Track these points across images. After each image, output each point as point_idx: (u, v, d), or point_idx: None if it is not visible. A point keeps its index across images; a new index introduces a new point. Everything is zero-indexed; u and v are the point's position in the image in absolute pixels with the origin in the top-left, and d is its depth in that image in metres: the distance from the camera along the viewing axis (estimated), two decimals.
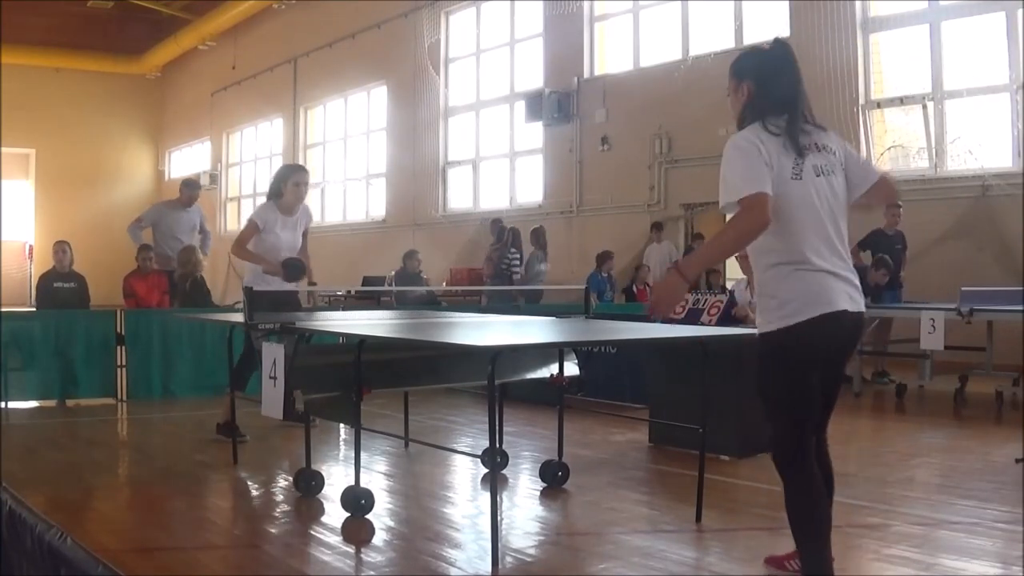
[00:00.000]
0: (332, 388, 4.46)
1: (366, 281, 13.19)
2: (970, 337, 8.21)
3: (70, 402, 7.95)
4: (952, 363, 8.42)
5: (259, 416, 4.65)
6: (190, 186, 10.28)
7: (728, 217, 3.08)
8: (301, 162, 21.86)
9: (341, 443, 6.25)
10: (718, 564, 3.73)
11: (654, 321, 3.01)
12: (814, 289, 2.98)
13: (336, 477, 5.11)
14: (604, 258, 13.02)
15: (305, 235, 6.36)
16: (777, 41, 3.18)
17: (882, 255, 9.00)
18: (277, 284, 6.07)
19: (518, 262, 13.01)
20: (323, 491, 4.75)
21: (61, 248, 9.06)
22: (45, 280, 8.96)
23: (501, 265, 12.90)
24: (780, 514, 3.76)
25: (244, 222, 6.33)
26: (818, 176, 3.02)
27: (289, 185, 6.15)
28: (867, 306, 8.87)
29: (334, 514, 4.36)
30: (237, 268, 18.90)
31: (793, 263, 2.99)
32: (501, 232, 13.23)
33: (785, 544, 3.56)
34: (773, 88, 3.08)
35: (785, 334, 2.98)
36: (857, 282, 3.10)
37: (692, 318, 6.14)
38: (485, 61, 17.42)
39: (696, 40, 13.76)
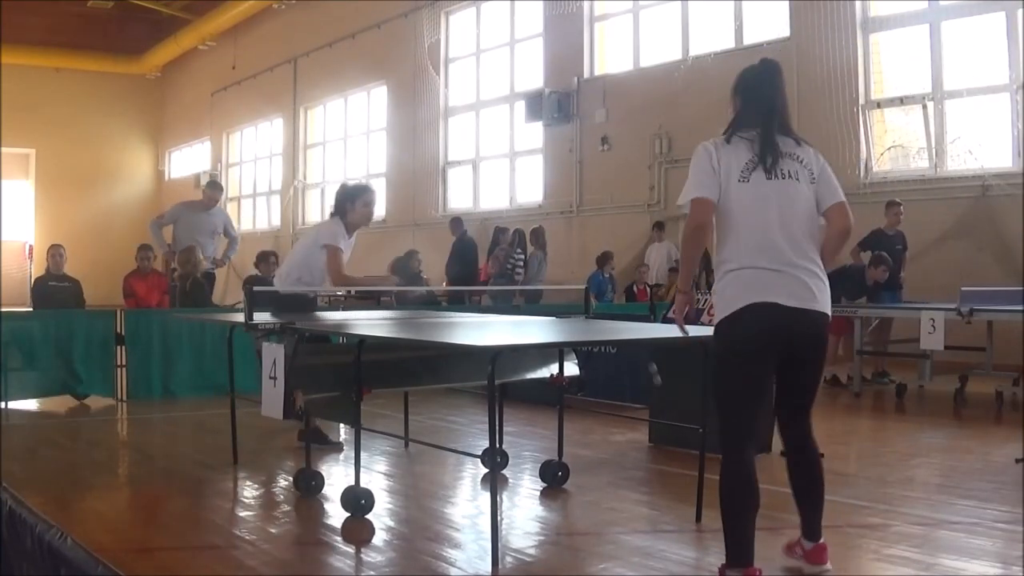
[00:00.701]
0: (332, 388, 4.46)
1: None
2: (970, 337, 8.21)
3: (70, 402, 7.94)
4: (952, 363, 8.42)
5: (259, 416, 4.65)
6: (212, 187, 10.24)
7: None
8: (301, 162, 21.91)
9: (341, 443, 6.25)
10: (718, 564, 3.72)
11: (671, 323, 3.32)
12: (744, 283, 3.17)
13: (336, 477, 5.11)
14: (605, 259, 13.03)
15: None
16: (763, 60, 3.39)
17: (880, 252, 9.00)
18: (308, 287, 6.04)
19: (522, 264, 13.02)
20: (323, 491, 4.75)
21: (57, 252, 9.07)
22: (41, 281, 8.99)
23: (507, 265, 12.92)
24: (780, 514, 3.77)
25: (242, 224, 6.22)
26: (769, 179, 3.19)
27: (359, 205, 5.88)
28: (865, 305, 8.83)
29: (334, 514, 4.36)
30: (237, 268, 18.89)
31: (730, 266, 3.21)
32: (501, 232, 13.27)
33: (786, 543, 3.57)
34: (751, 103, 3.31)
35: (718, 330, 3.23)
36: (813, 281, 3.19)
37: (692, 318, 6.13)
38: (485, 61, 17.42)
39: (696, 40, 13.76)
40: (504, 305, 10.71)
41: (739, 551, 3.15)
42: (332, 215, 5.97)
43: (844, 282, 8.72)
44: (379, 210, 19.41)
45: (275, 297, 5.70)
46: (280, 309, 5.42)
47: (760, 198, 3.18)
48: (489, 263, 13.27)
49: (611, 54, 15.27)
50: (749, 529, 3.16)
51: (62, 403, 7.92)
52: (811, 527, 3.41)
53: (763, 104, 3.29)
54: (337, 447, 5.98)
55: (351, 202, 5.90)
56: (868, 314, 8.69)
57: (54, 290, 8.79)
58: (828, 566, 3.38)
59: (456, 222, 14.05)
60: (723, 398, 3.25)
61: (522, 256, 13.04)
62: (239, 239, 10.43)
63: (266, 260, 10.32)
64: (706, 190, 3.18)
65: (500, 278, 12.67)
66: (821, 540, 3.40)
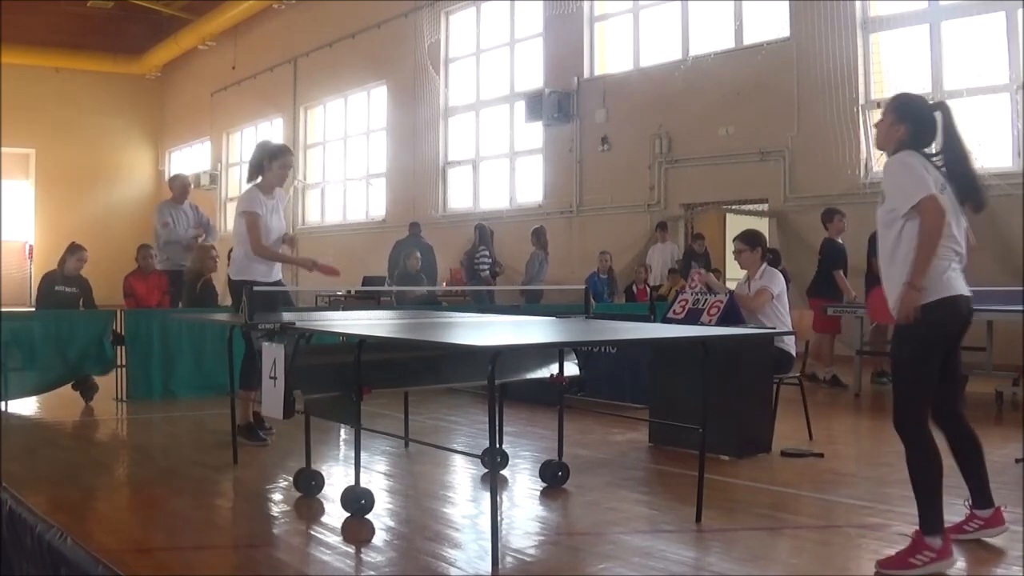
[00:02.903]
0: (332, 388, 4.45)
1: (366, 281, 13.19)
2: (970, 337, 8.17)
3: (71, 402, 7.94)
4: None
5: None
6: (178, 179, 10.17)
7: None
8: (301, 162, 21.90)
9: (341, 443, 6.25)
10: (718, 564, 3.73)
11: None
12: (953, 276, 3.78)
13: (336, 477, 5.11)
14: (600, 258, 13.01)
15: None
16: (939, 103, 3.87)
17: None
18: (262, 275, 5.98)
19: (487, 261, 13.00)
20: (323, 491, 4.75)
21: (81, 256, 8.72)
22: (47, 281, 8.80)
23: (473, 266, 12.92)
24: (780, 514, 3.77)
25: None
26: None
27: (275, 166, 5.95)
28: (864, 306, 8.73)
29: (334, 514, 4.36)
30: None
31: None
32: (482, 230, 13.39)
33: (786, 543, 3.57)
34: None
35: (928, 312, 3.68)
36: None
37: (692, 318, 6.12)
38: (485, 61, 17.42)
39: (696, 40, 13.76)
40: (483, 306, 10.61)
41: (940, 518, 3.54)
42: (249, 179, 6.00)
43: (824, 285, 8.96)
44: (379, 210, 19.53)
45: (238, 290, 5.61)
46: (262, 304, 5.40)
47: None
48: (460, 267, 13.29)
49: (611, 54, 15.27)
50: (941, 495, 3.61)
51: (62, 403, 7.93)
52: (985, 494, 3.81)
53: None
54: (263, 443, 6.00)
55: (269, 160, 5.94)
56: (858, 314, 8.71)
57: (59, 293, 8.67)
58: (1007, 526, 3.80)
59: (413, 225, 14.33)
60: (920, 380, 3.68)
61: (485, 251, 13.02)
62: (214, 229, 10.23)
63: None
64: (934, 188, 3.58)
65: (473, 280, 12.68)
66: (996, 505, 3.81)
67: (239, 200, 6.12)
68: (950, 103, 3.90)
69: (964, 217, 3.73)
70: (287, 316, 5.20)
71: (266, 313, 5.09)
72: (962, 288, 3.67)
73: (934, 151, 3.70)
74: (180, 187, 9.91)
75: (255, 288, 5.01)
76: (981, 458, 3.86)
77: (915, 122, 3.71)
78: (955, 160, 3.68)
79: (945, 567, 3.45)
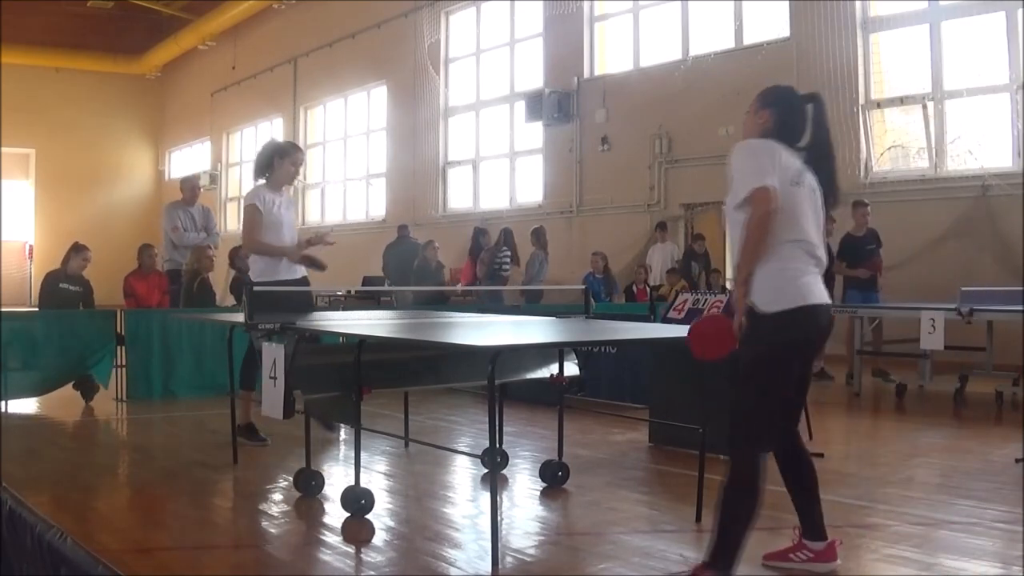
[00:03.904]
0: (332, 388, 4.45)
1: (366, 281, 13.19)
2: (970, 337, 8.21)
3: (71, 402, 7.94)
4: (952, 363, 8.43)
5: (259, 416, 4.65)
6: (189, 181, 10.18)
7: None
8: None
9: (341, 443, 6.25)
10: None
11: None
12: (803, 282, 3.35)
13: (336, 477, 5.11)
14: (592, 259, 12.98)
15: None
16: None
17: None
18: (286, 274, 5.92)
19: (508, 262, 13.02)
20: (323, 491, 4.75)
21: (85, 256, 8.75)
22: (51, 279, 8.79)
23: (493, 266, 12.92)
24: (780, 514, 3.77)
25: (242, 224, 6.06)
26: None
27: (286, 163, 5.93)
28: (864, 306, 8.87)
29: (334, 514, 4.36)
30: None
31: (786, 262, 3.37)
32: (481, 234, 13.40)
33: (786, 543, 3.57)
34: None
35: (776, 321, 3.27)
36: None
37: (692, 318, 6.12)
38: (485, 61, 17.42)
39: (696, 40, 13.76)
40: (497, 305, 10.65)
41: (733, 557, 3.17)
42: (257, 177, 6.00)
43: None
44: (379, 210, 19.54)
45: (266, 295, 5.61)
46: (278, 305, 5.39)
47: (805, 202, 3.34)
48: (476, 265, 13.27)
49: (611, 54, 15.27)
50: (745, 536, 3.18)
51: (62, 403, 7.93)
52: (818, 526, 3.47)
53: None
54: (263, 443, 5.99)
55: (280, 157, 5.95)
56: (868, 314, 8.71)
57: (63, 291, 8.67)
58: (839, 562, 3.45)
59: (401, 227, 14.45)
60: (767, 393, 3.24)
61: (507, 253, 13.04)
62: (218, 235, 10.21)
63: (237, 257, 10.13)
64: (772, 180, 3.22)
65: (490, 279, 12.68)
66: (829, 539, 3.47)
67: (245, 196, 6.12)
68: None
69: (824, 217, 3.42)
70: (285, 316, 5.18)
71: (283, 313, 5.05)
72: (820, 295, 3.28)
73: (802, 145, 3.41)
74: (191, 189, 9.91)
75: (255, 287, 4.99)
76: (815, 485, 3.46)
77: (781, 109, 3.42)
78: (819, 157, 3.41)
79: None
